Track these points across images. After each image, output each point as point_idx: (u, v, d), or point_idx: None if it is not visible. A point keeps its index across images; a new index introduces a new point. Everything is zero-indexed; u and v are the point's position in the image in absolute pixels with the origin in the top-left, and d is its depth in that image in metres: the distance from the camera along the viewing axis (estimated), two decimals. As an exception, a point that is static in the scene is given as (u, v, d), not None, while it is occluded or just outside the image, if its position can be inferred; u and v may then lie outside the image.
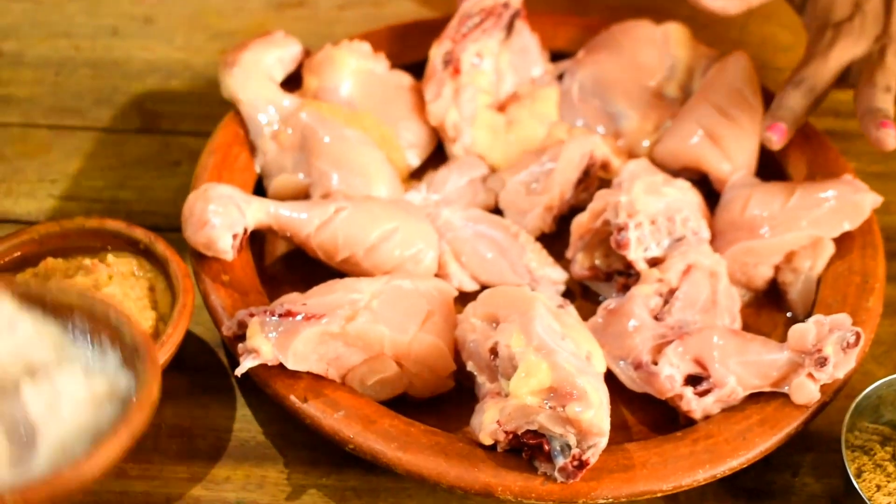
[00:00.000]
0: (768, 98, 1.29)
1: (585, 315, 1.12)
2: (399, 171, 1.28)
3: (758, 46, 1.53)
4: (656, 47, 1.34)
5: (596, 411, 0.94)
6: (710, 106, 1.26)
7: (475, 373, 1.06)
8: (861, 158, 1.37)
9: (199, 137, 1.34)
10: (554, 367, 0.96)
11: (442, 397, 1.09)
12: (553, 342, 0.99)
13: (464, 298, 1.15)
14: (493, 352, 1.02)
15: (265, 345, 1.01)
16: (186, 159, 1.34)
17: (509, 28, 1.34)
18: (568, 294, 1.20)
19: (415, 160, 1.31)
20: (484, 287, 1.17)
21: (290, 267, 1.21)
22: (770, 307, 1.20)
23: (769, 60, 1.51)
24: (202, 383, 1.12)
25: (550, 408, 0.95)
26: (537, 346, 0.98)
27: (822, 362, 1.02)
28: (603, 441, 0.95)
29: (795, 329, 1.04)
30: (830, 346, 1.02)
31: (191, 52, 1.50)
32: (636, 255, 1.14)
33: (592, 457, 0.95)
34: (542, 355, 0.97)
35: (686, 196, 1.19)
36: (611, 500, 0.98)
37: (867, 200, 1.17)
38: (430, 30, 1.36)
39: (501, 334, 1.01)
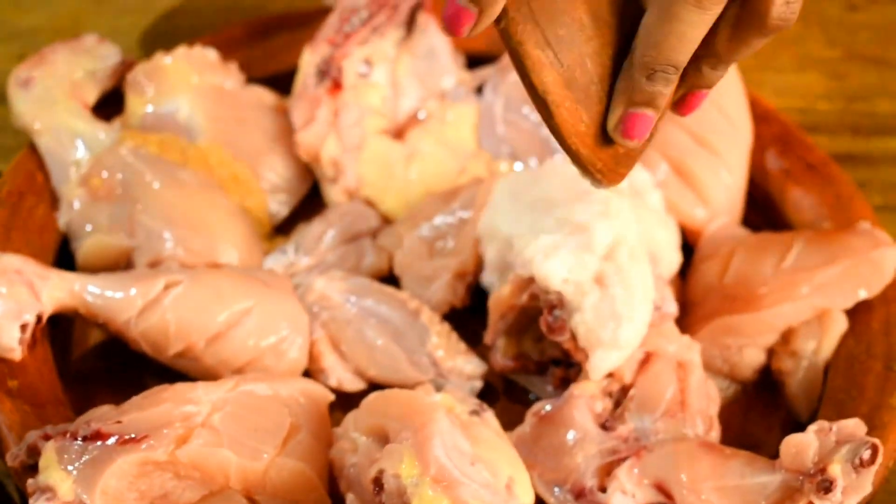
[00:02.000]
0: (759, 117, 1.30)
1: (512, 421, 1.12)
2: (259, 225, 1.28)
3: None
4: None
5: (517, 567, 0.94)
6: (678, 129, 1.26)
7: (357, 511, 1.05)
8: (888, 192, 1.36)
9: (-20, 181, 1.33)
10: (458, 505, 0.95)
11: (311, 546, 1.08)
12: (458, 470, 0.98)
13: (346, 403, 1.14)
14: (378, 483, 1.01)
15: (64, 481, 0.99)
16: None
17: (409, 24, 1.34)
18: (487, 393, 1.20)
19: (281, 209, 1.31)
20: (373, 387, 1.16)
21: (107, 364, 1.20)
22: (762, 405, 1.20)
23: (768, 59, 1.51)
24: (-21, 533, 1.10)
25: (454, 564, 0.94)
26: (436, 475, 0.97)
27: (827, 487, 1.01)
28: None
29: (791, 441, 1.03)
30: (838, 465, 1.01)
31: (-28, 56, 1.49)
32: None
33: None
34: (441, 490, 0.96)
35: (646, 256, 1.18)
36: None
37: (890, 258, 1.17)
38: (301, 27, 1.36)
39: (388, 459, 1.00)
